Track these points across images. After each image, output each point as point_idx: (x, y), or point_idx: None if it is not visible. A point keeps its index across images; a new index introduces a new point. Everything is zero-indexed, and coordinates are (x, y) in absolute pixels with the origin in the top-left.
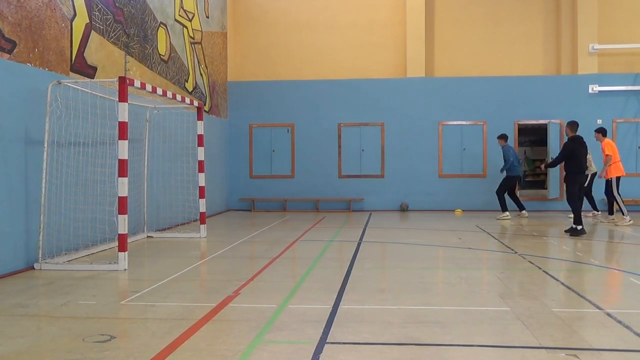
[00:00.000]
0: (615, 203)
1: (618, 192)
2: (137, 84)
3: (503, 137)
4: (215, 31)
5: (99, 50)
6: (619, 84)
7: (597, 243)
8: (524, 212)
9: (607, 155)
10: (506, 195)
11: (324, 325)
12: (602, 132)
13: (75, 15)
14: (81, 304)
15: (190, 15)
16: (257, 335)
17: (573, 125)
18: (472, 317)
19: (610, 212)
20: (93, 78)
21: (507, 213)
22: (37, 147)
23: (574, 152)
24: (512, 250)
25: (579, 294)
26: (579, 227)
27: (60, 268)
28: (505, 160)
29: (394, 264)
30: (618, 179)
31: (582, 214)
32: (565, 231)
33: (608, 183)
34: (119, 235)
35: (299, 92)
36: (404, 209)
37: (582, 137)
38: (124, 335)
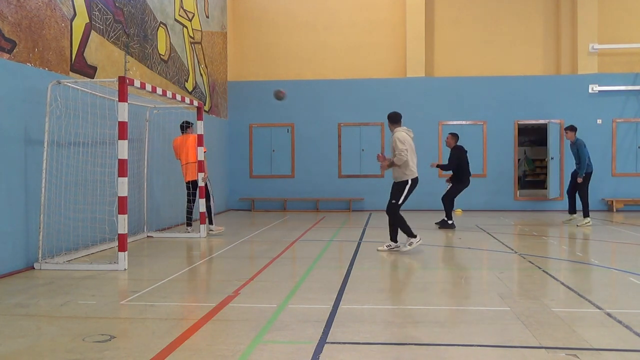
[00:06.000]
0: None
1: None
2: (137, 83)
3: (573, 130)
4: (215, 31)
5: (99, 50)
6: (619, 84)
7: (597, 243)
8: (575, 215)
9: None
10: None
11: (324, 325)
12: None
13: (75, 15)
14: (81, 304)
15: (190, 15)
16: (257, 335)
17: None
18: (472, 317)
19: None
20: (93, 78)
21: (589, 219)
22: (37, 147)
23: None
24: (512, 250)
25: (579, 294)
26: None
27: (60, 268)
28: (580, 159)
29: (394, 264)
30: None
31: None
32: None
33: None
34: (119, 235)
35: (299, 92)
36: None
37: None
38: (124, 335)
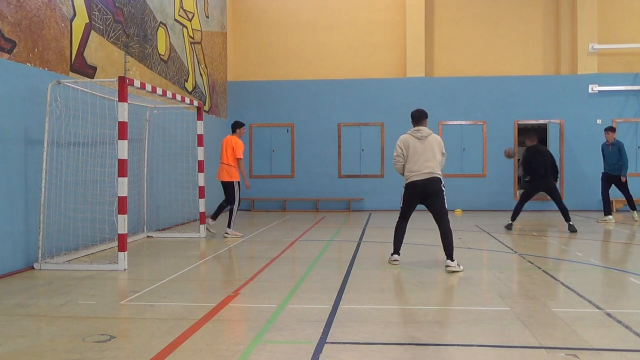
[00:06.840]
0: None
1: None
2: (137, 84)
3: (614, 130)
4: (215, 31)
5: (99, 50)
6: (619, 84)
7: (597, 243)
8: (634, 214)
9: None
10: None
11: (324, 325)
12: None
13: (75, 15)
14: (81, 304)
15: (190, 15)
16: (257, 335)
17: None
18: (472, 317)
19: None
20: (93, 78)
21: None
22: (37, 147)
23: None
24: (512, 250)
25: (579, 294)
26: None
27: (60, 268)
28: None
29: (394, 264)
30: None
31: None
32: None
33: None
34: (119, 235)
35: (299, 92)
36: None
37: None
38: (124, 335)
